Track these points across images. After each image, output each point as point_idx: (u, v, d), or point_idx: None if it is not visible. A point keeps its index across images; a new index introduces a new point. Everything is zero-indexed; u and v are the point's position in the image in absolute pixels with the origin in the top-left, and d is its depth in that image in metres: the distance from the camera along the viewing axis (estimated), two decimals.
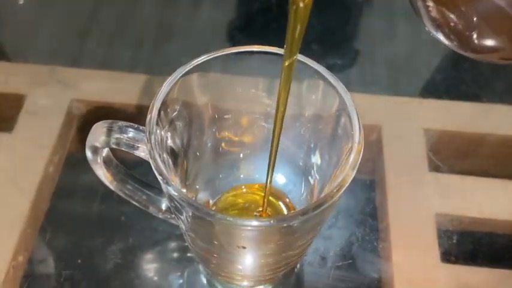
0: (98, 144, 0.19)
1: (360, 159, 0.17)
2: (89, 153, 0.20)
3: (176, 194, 0.17)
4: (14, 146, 0.31)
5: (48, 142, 0.30)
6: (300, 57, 0.20)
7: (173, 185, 0.17)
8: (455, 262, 0.27)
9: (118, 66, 0.35)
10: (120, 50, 0.36)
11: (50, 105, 0.32)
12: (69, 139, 0.31)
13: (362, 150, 0.18)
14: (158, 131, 0.19)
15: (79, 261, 0.27)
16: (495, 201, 0.29)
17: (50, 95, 0.33)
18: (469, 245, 0.28)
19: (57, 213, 0.28)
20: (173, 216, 0.23)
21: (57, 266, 0.26)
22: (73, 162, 0.30)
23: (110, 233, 0.28)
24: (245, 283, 0.26)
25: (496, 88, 0.34)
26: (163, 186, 0.18)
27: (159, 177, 0.18)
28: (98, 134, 0.19)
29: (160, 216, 0.24)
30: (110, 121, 0.19)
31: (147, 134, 0.18)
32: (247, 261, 0.22)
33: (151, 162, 0.18)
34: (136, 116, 0.32)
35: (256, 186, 0.26)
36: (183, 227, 0.21)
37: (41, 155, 0.30)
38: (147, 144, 0.18)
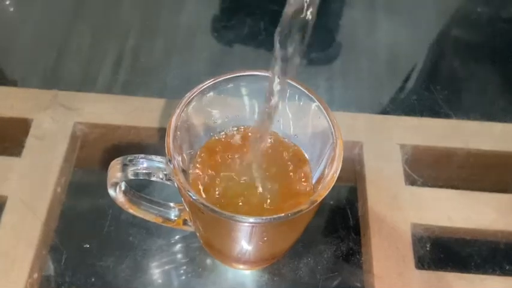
0: (117, 180, 0.21)
1: (342, 154, 0.21)
2: (111, 191, 0.22)
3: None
4: (24, 170, 0.32)
5: (55, 165, 0.32)
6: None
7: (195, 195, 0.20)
8: (428, 268, 0.30)
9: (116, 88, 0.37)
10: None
11: (55, 128, 0.34)
12: (73, 161, 0.33)
13: (342, 147, 0.21)
14: (176, 156, 0.21)
15: (92, 279, 0.29)
16: (462, 211, 0.32)
17: (54, 119, 0.34)
18: (441, 251, 0.30)
19: (67, 232, 0.30)
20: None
21: (70, 282, 0.29)
22: (78, 182, 0.32)
23: (118, 250, 0.30)
24: (240, 266, 0.29)
25: (464, 106, 0.37)
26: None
27: (189, 194, 0.20)
28: (114, 171, 0.21)
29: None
30: (122, 157, 0.22)
31: (171, 160, 0.21)
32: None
33: (177, 184, 0.20)
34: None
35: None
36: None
37: (49, 177, 0.32)
38: (171, 170, 0.21)
